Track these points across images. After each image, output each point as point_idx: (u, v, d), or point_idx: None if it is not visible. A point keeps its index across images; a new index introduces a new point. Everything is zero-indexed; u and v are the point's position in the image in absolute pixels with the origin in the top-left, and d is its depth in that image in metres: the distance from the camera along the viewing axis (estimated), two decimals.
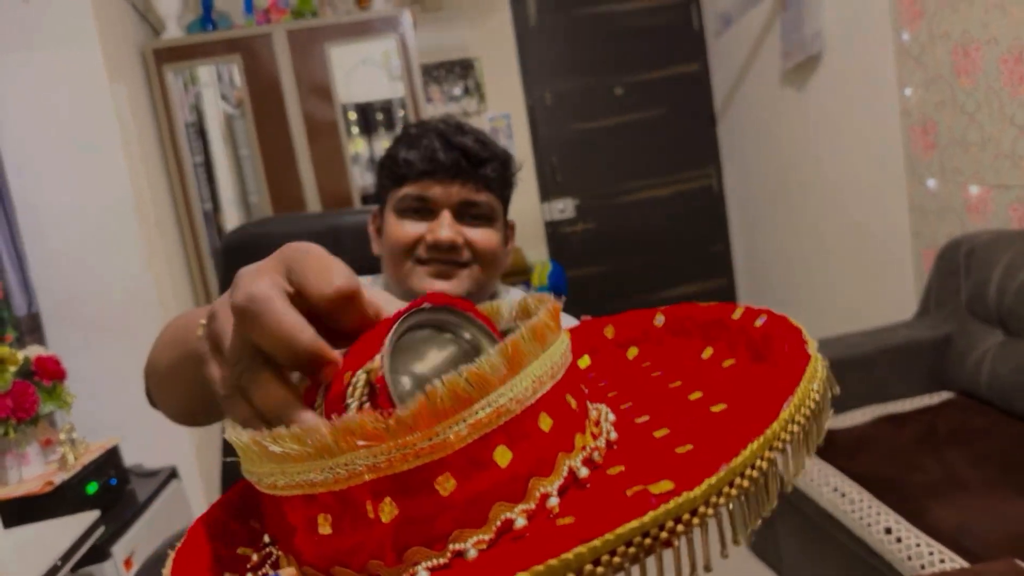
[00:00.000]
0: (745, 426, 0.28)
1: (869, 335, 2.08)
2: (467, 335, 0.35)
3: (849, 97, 2.66)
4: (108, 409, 2.05)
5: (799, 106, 3.01)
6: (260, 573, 0.34)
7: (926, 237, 2.37)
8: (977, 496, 1.42)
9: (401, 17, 2.90)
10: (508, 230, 1.02)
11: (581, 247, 3.88)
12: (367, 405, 0.30)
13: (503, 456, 0.28)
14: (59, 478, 1.66)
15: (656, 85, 3.87)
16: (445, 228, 0.91)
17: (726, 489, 0.25)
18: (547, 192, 3.84)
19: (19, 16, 2.14)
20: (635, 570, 0.24)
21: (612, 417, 0.36)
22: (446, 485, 0.27)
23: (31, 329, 2.13)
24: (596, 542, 0.23)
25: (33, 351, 1.77)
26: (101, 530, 1.55)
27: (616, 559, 0.23)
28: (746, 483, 0.26)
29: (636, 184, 3.90)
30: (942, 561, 1.28)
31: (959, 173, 2.19)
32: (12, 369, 1.66)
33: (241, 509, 0.40)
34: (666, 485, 0.25)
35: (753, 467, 0.26)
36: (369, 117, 3.27)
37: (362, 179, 3.04)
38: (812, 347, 0.33)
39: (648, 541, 0.24)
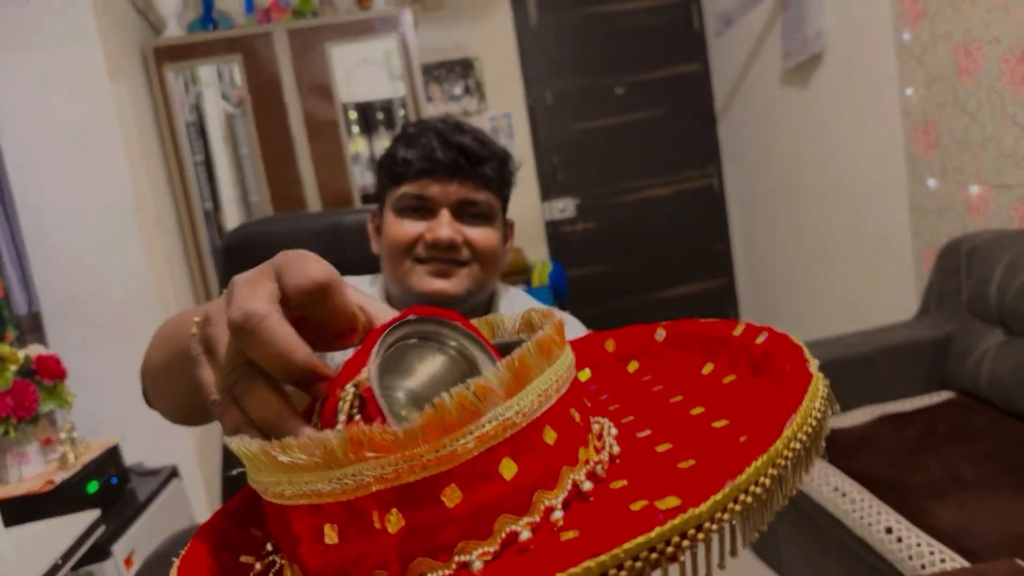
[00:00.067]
0: (749, 444, 0.29)
1: (869, 335, 2.08)
2: (454, 344, 0.35)
3: (850, 97, 2.65)
4: (108, 408, 2.05)
5: (800, 106, 3.00)
6: None
7: (926, 237, 2.37)
8: (978, 496, 1.42)
9: (401, 16, 2.90)
10: (507, 229, 1.02)
11: (581, 246, 3.87)
12: (357, 417, 0.30)
13: (508, 469, 0.29)
14: (59, 477, 1.66)
15: (657, 85, 3.87)
16: (444, 227, 0.91)
17: (730, 505, 0.25)
18: (547, 192, 3.84)
19: (19, 15, 2.14)
20: None
21: (614, 431, 0.36)
22: (452, 497, 0.27)
23: (32, 328, 2.13)
24: (604, 557, 0.23)
25: (34, 350, 1.77)
26: (101, 529, 1.55)
27: (623, 573, 0.24)
28: (749, 499, 0.26)
29: (636, 184, 3.90)
30: (943, 561, 1.28)
31: (960, 173, 2.18)
32: (12, 368, 1.66)
33: (243, 517, 0.40)
34: (672, 501, 0.25)
35: (756, 484, 0.26)
36: (369, 116, 3.27)
37: (362, 178, 3.04)
38: (813, 366, 0.33)
39: (655, 556, 0.24)
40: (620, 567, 0.23)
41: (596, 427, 0.35)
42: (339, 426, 0.30)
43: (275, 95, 2.86)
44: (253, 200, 3.06)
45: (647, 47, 3.83)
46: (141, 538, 1.75)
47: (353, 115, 3.19)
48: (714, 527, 0.25)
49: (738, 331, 0.41)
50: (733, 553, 0.26)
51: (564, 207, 3.85)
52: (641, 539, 0.24)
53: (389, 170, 0.95)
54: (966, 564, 1.26)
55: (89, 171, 2.25)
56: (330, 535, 0.28)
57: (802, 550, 1.83)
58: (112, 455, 1.87)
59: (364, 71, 3.13)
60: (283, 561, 0.34)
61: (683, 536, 0.24)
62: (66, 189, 2.23)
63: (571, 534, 0.28)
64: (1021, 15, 1.88)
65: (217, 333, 0.34)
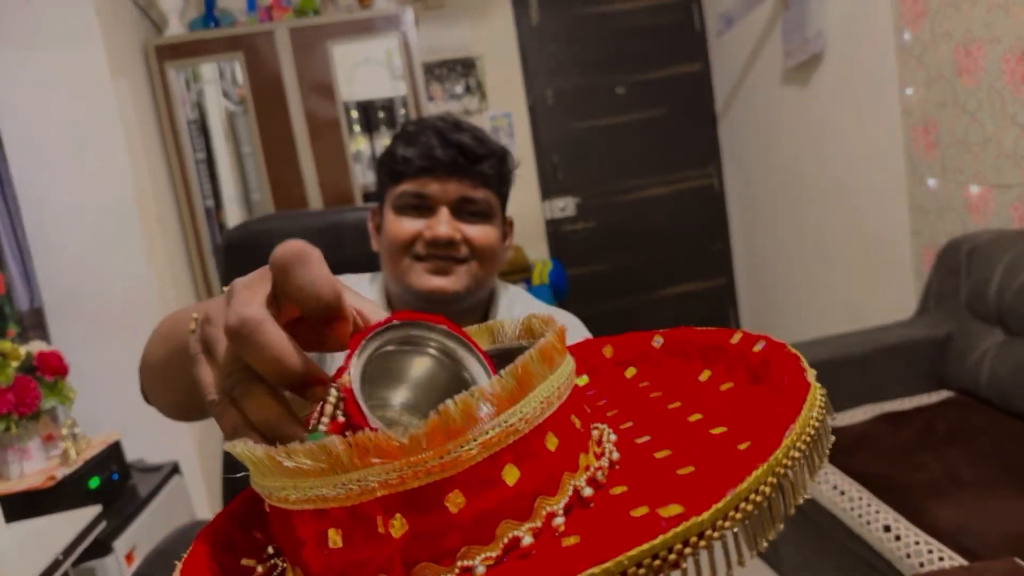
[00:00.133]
0: (749, 452, 0.29)
1: (869, 334, 2.08)
2: (441, 347, 0.36)
3: (850, 97, 2.66)
4: (110, 405, 2.05)
5: (800, 106, 3.01)
6: None
7: (926, 236, 2.37)
8: (976, 495, 1.42)
9: (403, 15, 2.90)
10: (506, 226, 1.02)
11: (582, 245, 3.88)
12: (340, 418, 0.31)
13: (511, 475, 0.29)
14: (61, 473, 1.66)
15: (657, 84, 3.87)
16: (443, 224, 0.91)
17: (731, 513, 0.26)
18: (548, 191, 3.84)
19: (22, 13, 2.15)
20: None
21: (614, 437, 0.37)
22: (456, 502, 0.28)
23: (34, 324, 2.13)
24: (608, 563, 0.24)
25: (35, 346, 1.78)
26: (103, 525, 1.55)
27: None
28: (750, 507, 0.26)
29: (637, 183, 3.90)
30: (941, 559, 1.29)
31: (960, 173, 2.19)
32: (14, 364, 1.66)
33: (245, 519, 0.40)
34: (675, 509, 0.26)
35: (757, 492, 0.27)
36: (371, 115, 3.27)
37: (364, 177, 3.04)
38: (811, 375, 0.34)
39: (657, 563, 0.24)
40: (624, 574, 0.24)
41: (596, 433, 0.36)
42: (321, 427, 0.31)
43: (277, 93, 2.87)
44: (254, 198, 3.07)
45: (648, 47, 3.83)
46: (142, 534, 1.75)
47: (354, 114, 3.19)
48: (716, 535, 0.25)
49: (735, 339, 0.41)
50: (741, 563, 0.27)
51: (564, 206, 3.85)
52: (645, 546, 0.24)
53: (388, 168, 0.96)
54: (965, 563, 1.27)
55: (91, 168, 2.25)
56: (334, 539, 0.28)
57: (801, 548, 1.84)
58: (113, 451, 1.88)
59: (365, 70, 3.13)
60: (285, 564, 0.34)
61: (685, 543, 0.25)
62: (68, 186, 2.23)
63: (572, 540, 0.28)
64: (1021, 15, 1.88)
65: (216, 334, 0.35)
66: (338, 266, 0.68)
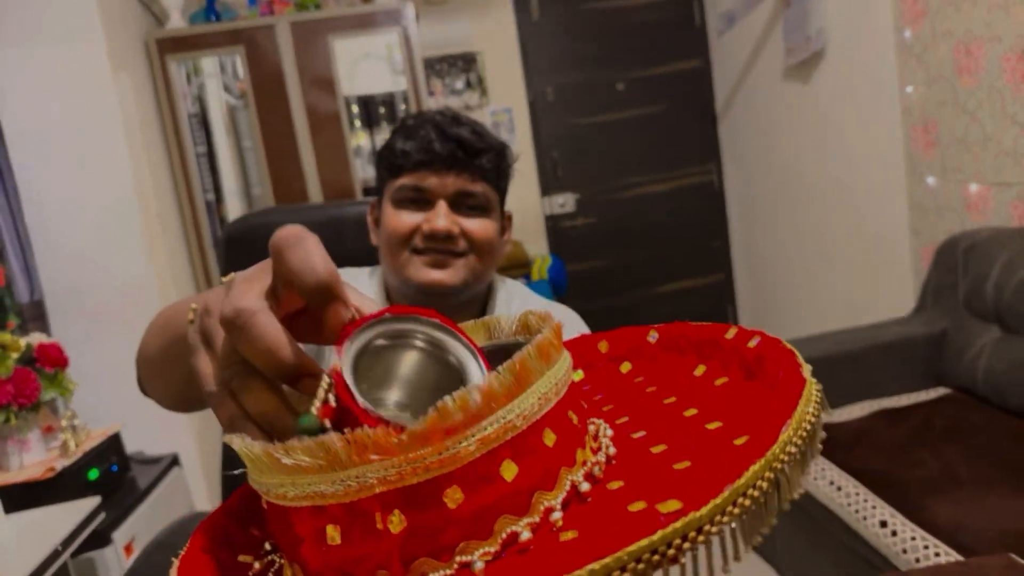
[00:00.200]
0: (746, 448, 0.29)
1: (866, 331, 2.09)
2: (434, 341, 0.35)
3: (850, 95, 2.66)
4: (110, 397, 2.06)
5: (800, 103, 3.01)
6: None
7: (925, 235, 2.38)
8: (973, 492, 1.43)
9: (404, 10, 2.90)
10: (505, 221, 1.02)
11: (581, 241, 3.88)
12: (332, 402, 0.31)
13: (509, 470, 0.29)
14: (60, 464, 1.67)
15: (658, 81, 3.87)
16: (441, 218, 0.91)
17: (729, 508, 0.26)
18: (548, 186, 3.84)
19: (23, 7, 2.15)
20: None
21: (610, 432, 0.37)
22: (454, 498, 0.28)
23: (34, 317, 2.14)
24: (608, 559, 0.24)
25: (35, 338, 1.78)
26: (102, 516, 1.56)
27: (625, 575, 0.24)
28: (747, 502, 0.26)
29: (636, 179, 3.90)
30: (937, 555, 1.29)
31: (959, 171, 2.19)
32: (14, 356, 1.67)
33: (242, 516, 0.40)
34: (674, 504, 0.26)
35: (754, 487, 0.27)
36: (371, 110, 3.27)
37: (364, 172, 3.04)
38: (807, 371, 0.34)
39: (656, 558, 0.24)
40: (623, 569, 0.24)
41: (592, 428, 0.36)
42: (312, 410, 0.31)
43: (277, 87, 2.87)
44: (255, 192, 3.07)
45: (648, 43, 3.83)
46: (141, 526, 1.76)
47: (355, 109, 3.20)
48: (714, 530, 0.25)
49: (730, 334, 0.41)
50: (736, 557, 0.27)
51: (564, 202, 3.85)
52: (644, 542, 0.24)
53: (387, 162, 0.96)
54: (961, 559, 1.27)
55: (92, 161, 2.25)
56: (332, 536, 0.28)
57: (797, 544, 1.85)
58: (113, 443, 1.88)
59: (366, 64, 3.14)
60: (282, 561, 0.34)
61: (684, 539, 0.25)
62: (69, 179, 2.24)
63: (570, 535, 0.28)
64: (1022, 14, 1.88)
65: (215, 325, 0.35)
66: (338, 260, 0.68)
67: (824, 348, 1.99)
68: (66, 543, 1.39)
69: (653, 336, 0.47)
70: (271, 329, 0.32)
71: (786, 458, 0.29)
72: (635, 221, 3.91)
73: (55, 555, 1.34)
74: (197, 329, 0.37)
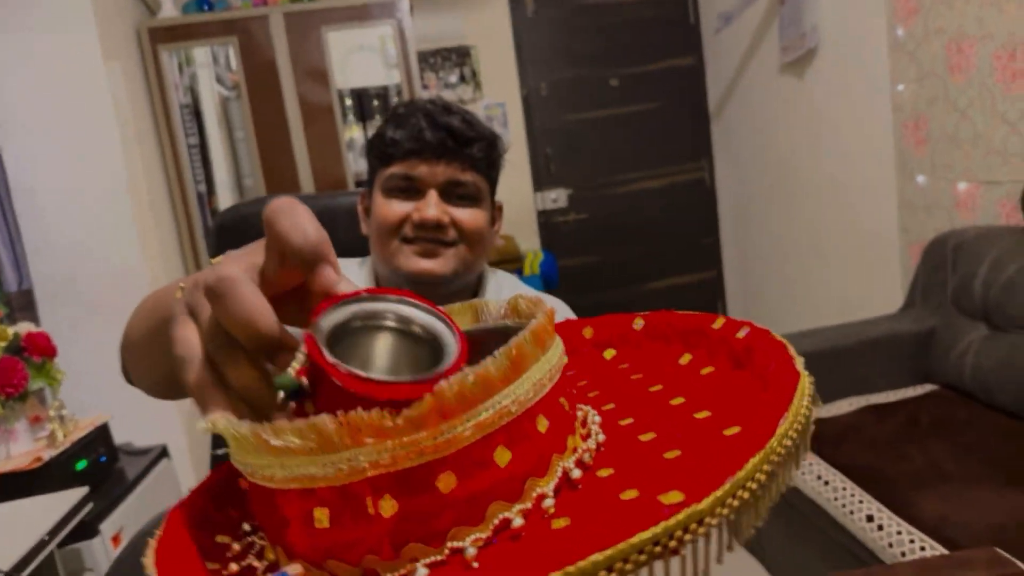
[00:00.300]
0: (743, 440, 0.29)
1: (855, 327, 2.09)
2: (396, 316, 0.35)
3: (843, 92, 2.67)
4: (99, 388, 2.04)
5: (794, 101, 3.02)
6: (244, 564, 0.33)
7: (914, 232, 2.39)
8: (959, 487, 1.43)
9: (398, 3, 2.89)
10: (495, 211, 1.02)
11: (573, 237, 3.88)
12: (305, 364, 0.30)
13: (502, 456, 0.29)
14: (48, 454, 1.66)
15: (651, 78, 3.87)
16: (431, 207, 0.91)
17: (729, 500, 0.26)
18: (540, 182, 3.84)
19: None
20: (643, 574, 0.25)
21: (598, 419, 0.37)
22: (447, 483, 0.28)
23: (23, 306, 2.13)
24: (610, 550, 0.24)
25: (23, 327, 1.77)
26: (89, 507, 1.55)
27: (628, 566, 0.24)
28: (746, 495, 0.27)
29: (629, 176, 3.91)
30: (923, 549, 1.30)
31: (949, 169, 2.20)
32: (1, 344, 1.66)
33: (219, 495, 0.39)
34: (676, 496, 0.26)
35: (752, 480, 0.27)
36: (365, 103, 3.26)
37: (357, 165, 3.04)
38: (799, 363, 0.34)
39: (658, 549, 0.24)
40: (626, 560, 0.24)
41: (579, 414, 0.36)
42: (290, 371, 0.31)
43: (271, 78, 2.85)
44: (247, 184, 3.06)
45: (642, 40, 3.84)
46: (129, 517, 1.75)
47: (348, 102, 3.18)
48: (714, 522, 0.25)
49: (718, 324, 0.41)
50: (730, 548, 0.27)
51: (557, 197, 3.85)
52: (647, 533, 0.24)
53: (378, 150, 0.95)
54: (947, 552, 1.28)
55: (82, 151, 2.24)
56: (320, 519, 0.28)
57: (785, 538, 1.86)
58: (101, 433, 1.87)
59: (360, 57, 3.12)
60: (263, 542, 0.34)
61: (685, 530, 0.25)
62: (59, 169, 2.22)
63: (563, 522, 0.28)
64: (1014, 12, 1.89)
65: (201, 298, 0.35)
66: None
67: (813, 343, 2.00)
68: (52, 533, 1.38)
69: (639, 323, 0.47)
70: (251, 298, 0.32)
71: (783, 451, 0.29)
72: (627, 217, 3.92)
73: (41, 545, 1.33)
74: (183, 301, 0.36)
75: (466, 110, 0.96)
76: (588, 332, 0.49)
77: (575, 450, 0.33)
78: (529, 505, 0.30)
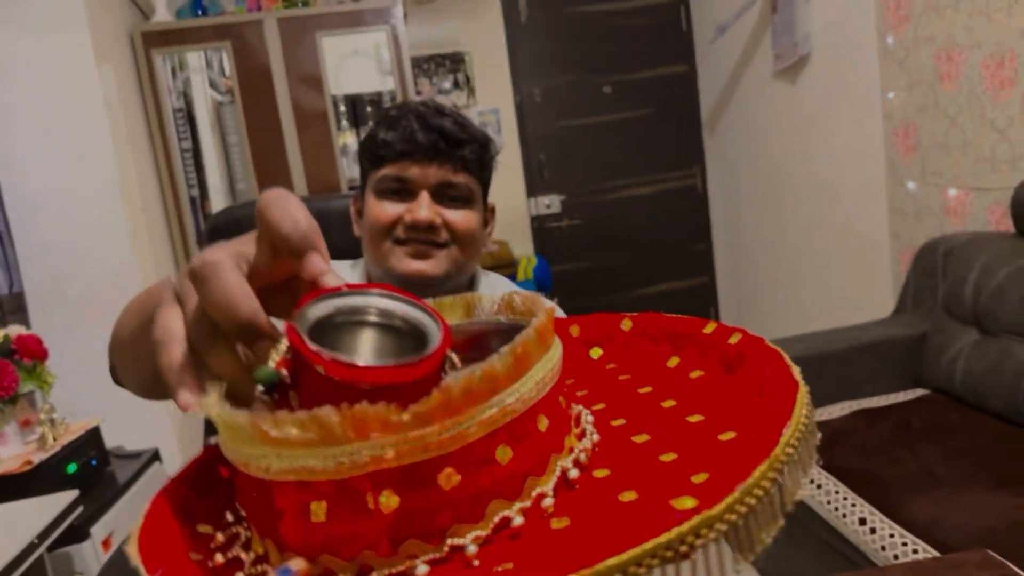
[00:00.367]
0: (743, 446, 0.29)
1: (846, 332, 2.10)
2: (377, 311, 0.35)
3: (834, 100, 2.69)
4: (90, 391, 2.02)
5: (784, 108, 3.04)
6: (230, 555, 0.32)
7: (904, 239, 2.41)
8: (950, 490, 1.44)
9: (392, 8, 2.90)
10: (488, 213, 1.03)
11: (566, 242, 3.89)
12: (286, 355, 0.31)
13: (504, 454, 0.29)
14: (38, 457, 1.65)
15: (644, 85, 3.89)
16: (423, 208, 0.91)
17: (737, 507, 0.26)
18: (533, 188, 3.85)
19: None
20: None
21: (590, 418, 0.37)
22: (450, 480, 0.28)
23: (14, 309, 2.11)
24: (626, 555, 0.24)
25: (13, 330, 1.76)
26: (80, 510, 1.54)
27: (641, 570, 0.24)
28: (753, 501, 0.26)
29: (622, 182, 3.92)
30: (915, 552, 1.31)
31: (939, 176, 2.22)
32: None
33: (200, 484, 0.38)
34: (689, 502, 0.26)
35: (759, 487, 0.27)
36: (359, 109, 3.26)
37: (350, 171, 3.03)
38: (797, 373, 0.34)
39: (670, 554, 0.24)
40: (639, 564, 0.24)
41: (573, 413, 0.36)
42: (270, 364, 0.31)
43: (264, 84, 2.86)
44: (240, 188, 3.05)
45: (636, 47, 3.86)
46: (120, 520, 1.74)
47: (342, 107, 3.19)
48: (723, 528, 0.25)
49: (708, 329, 0.41)
50: (744, 558, 0.27)
51: (550, 203, 3.86)
52: (661, 539, 0.24)
53: (370, 152, 0.96)
54: (938, 555, 1.28)
55: (75, 154, 2.23)
56: (317, 513, 0.27)
57: (777, 542, 1.85)
58: (92, 437, 1.86)
59: (354, 63, 3.13)
60: (248, 533, 0.33)
61: (696, 536, 0.25)
62: (52, 172, 2.21)
63: (562, 522, 0.28)
64: (1003, 21, 1.91)
65: (189, 285, 0.35)
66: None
67: (805, 348, 2.00)
68: (42, 536, 1.36)
69: (627, 324, 0.47)
70: (234, 282, 0.32)
71: (786, 459, 0.29)
72: (620, 223, 3.93)
73: (31, 548, 1.32)
74: (171, 288, 0.37)
75: (458, 112, 0.96)
76: (575, 330, 0.49)
77: (571, 450, 0.33)
78: (528, 504, 0.29)
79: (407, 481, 0.27)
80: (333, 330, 0.33)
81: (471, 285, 1.04)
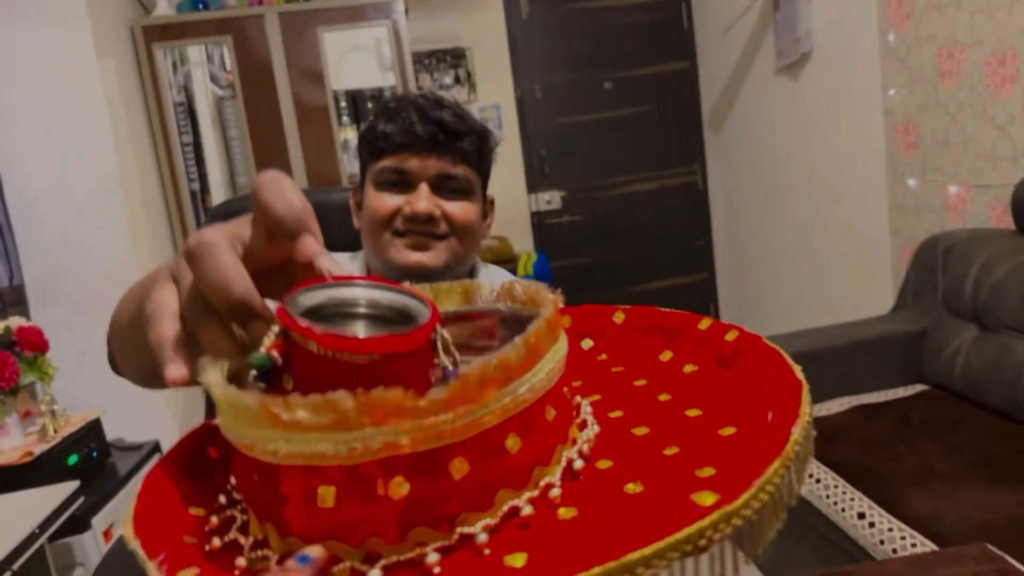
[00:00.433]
0: (747, 442, 0.30)
1: (846, 328, 2.11)
2: (368, 301, 0.35)
3: (835, 97, 2.69)
4: (91, 384, 2.03)
5: (786, 105, 3.04)
6: (227, 539, 0.32)
7: (904, 235, 2.41)
8: (949, 484, 1.45)
9: (394, 4, 2.90)
10: (487, 205, 1.03)
11: (566, 239, 3.90)
12: (276, 339, 0.31)
13: (514, 443, 0.29)
14: (39, 449, 1.65)
15: (645, 81, 3.89)
16: (422, 200, 0.92)
17: (752, 502, 0.26)
18: (534, 184, 3.85)
19: None
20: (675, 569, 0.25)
21: (589, 409, 0.37)
22: (460, 468, 0.28)
23: (14, 302, 2.12)
24: (649, 549, 0.24)
25: (14, 322, 1.76)
26: (80, 501, 1.54)
27: (663, 563, 0.24)
28: (765, 496, 0.27)
29: (622, 178, 3.92)
30: (914, 546, 1.31)
31: (940, 173, 2.22)
32: None
33: (190, 466, 0.38)
34: (709, 497, 0.26)
35: (770, 483, 0.27)
36: (360, 105, 3.26)
37: (351, 166, 3.03)
38: (799, 371, 0.34)
39: (690, 548, 0.25)
40: (662, 557, 0.24)
41: (573, 404, 0.36)
42: (262, 349, 0.31)
43: (265, 78, 2.85)
44: (240, 182, 3.05)
45: (637, 44, 3.86)
46: (121, 512, 1.73)
47: (343, 104, 3.18)
48: (739, 522, 0.26)
49: (704, 325, 0.42)
50: (753, 554, 0.27)
51: (550, 199, 3.86)
52: (685, 532, 0.24)
53: (369, 144, 0.96)
54: (937, 549, 1.29)
55: (75, 148, 2.23)
56: (325, 498, 0.27)
57: (776, 535, 1.86)
58: (93, 428, 1.87)
59: (355, 58, 3.13)
60: (244, 517, 0.33)
61: (715, 530, 0.25)
62: (52, 166, 2.21)
63: (569, 512, 0.29)
64: (1004, 18, 1.91)
65: (185, 265, 0.35)
66: (324, 246, 0.68)
67: (805, 344, 2.01)
68: (43, 526, 1.37)
69: (619, 317, 0.47)
70: (228, 262, 0.33)
71: (794, 456, 0.29)
72: (620, 220, 3.93)
73: (32, 538, 1.33)
74: (168, 268, 0.37)
75: (457, 104, 0.96)
76: (566, 321, 0.49)
77: (574, 441, 0.33)
78: (536, 494, 0.30)
79: (419, 468, 0.27)
80: (325, 320, 0.33)
81: (471, 277, 1.04)
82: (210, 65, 3.12)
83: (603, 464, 0.32)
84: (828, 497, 1.54)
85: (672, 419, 0.35)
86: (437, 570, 0.27)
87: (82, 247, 2.24)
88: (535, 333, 0.30)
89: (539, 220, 3.87)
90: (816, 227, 2.95)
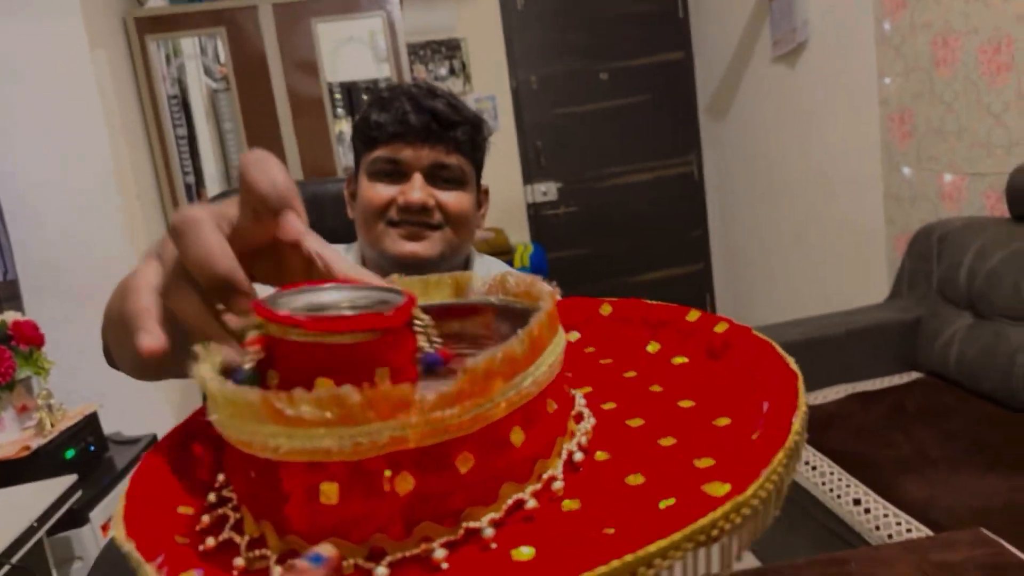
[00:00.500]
0: (762, 436, 0.29)
1: (842, 316, 2.12)
2: (347, 305, 0.34)
3: (830, 86, 2.69)
4: (87, 378, 2.03)
5: (781, 95, 3.03)
6: (221, 538, 0.31)
7: (900, 224, 2.41)
8: (944, 471, 1.46)
9: None
10: (481, 194, 1.03)
11: (563, 230, 3.89)
12: (257, 333, 0.31)
13: (518, 437, 0.29)
14: (36, 443, 1.65)
15: (641, 72, 3.89)
16: (416, 190, 0.91)
17: (759, 492, 0.26)
18: (530, 175, 3.85)
19: None
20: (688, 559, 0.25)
21: (583, 401, 0.37)
22: (465, 463, 0.27)
23: (8, 296, 2.11)
24: (665, 541, 0.24)
25: (10, 316, 1.76)
26: (79, 494, 1.54)
27: (679, 554, 0.24)
28: (770, 486, 0.27)
29: (618, 169, 3.92)
30: (909, 531, 1.32)
31: (935, 161, 2.22)
32: None
33: (176, 462, 0.36)
34: (722, 488, 0.26)
35: (775, 473, 0.27)
36: (354, 97, 3.25)
37: (346, 158, 3.02)
38: (792, 362, 0.34)
39: (703, 538, 0.25)
40: (677, 548, 0.24)
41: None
42: (247, 366, 0.31)
43: (260, 70, 2.84)
44: (235, 175, 3.04)
45: (632, 34, 3.85)
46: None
47: (338, 95, 3.17)
48: (748, 512, 0.26)
49: (692, 317, 0.42)
50: (755, 538, 0.27)
51: (546, 190, 3.86)
52: (697, 524, 0.24)
53: (363, 134, 0.96)
54: (932, 534, 1.30)
55: (69, 141, 2.22)
56: (328, 495, 0.26)
57: (773, 522, 1.87)
58: (90, 422, 1.86)
59: (349, 50, 3.11)
60: (238, 515, 0.32)
61: (726, 520, 0.25)
62: (45, 159, 2.20)
63: (573, 504, 0.29)
64: (999, 6, 1.91)
65: (170, 243, 0.35)
66: (320, 237, 0.68)
67: (800, 332, 2.01)
68: (42, 520, 1.37)
69: (606, 309, 0.47)
70: (211, 238, 0.33)
71: (793, 447, 0.29)
72: (616, 210, 3.93)
73: (31, 531, 1.33)
74: (153, 247, 0.37)
75: (450, 93, 0.96)
76: None
77: (573, 433, 0.33)
78: (539, 487, 0.30)
79: (424, 463, 0.27)
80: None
81: (466, 267, 1.04)
82: (204, 57, 3.10)
83: (601, 456, 0.32)
84: (824, 484, 1.55)
85: (665, 410, 0.35)
86: (445, 566, 0.26)
87: (77, 240, 2.23)
88: (538, 325, 0.30)
89: (535, 211, 3.87)
90: (812, 216, 2.96)
